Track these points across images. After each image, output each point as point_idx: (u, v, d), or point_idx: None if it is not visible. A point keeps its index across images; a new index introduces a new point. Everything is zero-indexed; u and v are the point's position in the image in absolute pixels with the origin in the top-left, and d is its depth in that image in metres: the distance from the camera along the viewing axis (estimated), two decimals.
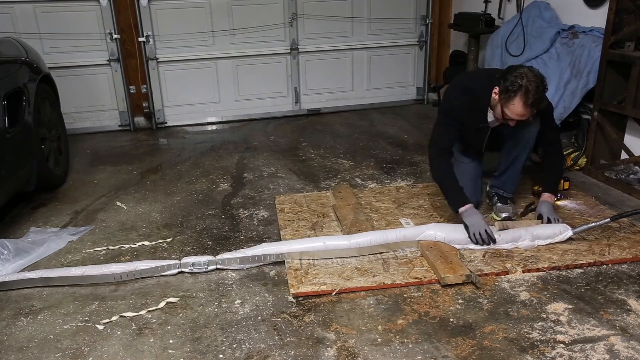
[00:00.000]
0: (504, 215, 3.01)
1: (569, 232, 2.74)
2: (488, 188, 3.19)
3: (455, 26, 5.26)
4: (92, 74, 5.03)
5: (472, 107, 2.82)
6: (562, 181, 3.36)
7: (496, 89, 2.66)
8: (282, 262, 2.66)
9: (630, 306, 2.29)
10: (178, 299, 2.43)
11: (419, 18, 5.65)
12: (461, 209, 2.75)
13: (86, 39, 4.90)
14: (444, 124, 2.93)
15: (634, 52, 3.39)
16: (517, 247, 2.72)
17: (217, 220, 3.23)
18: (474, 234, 2.67)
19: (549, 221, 2.83)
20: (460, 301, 2.35)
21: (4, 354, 2.11)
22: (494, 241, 2.68)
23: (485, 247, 2.69)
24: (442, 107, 3.03)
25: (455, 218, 3.06)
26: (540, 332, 2.14)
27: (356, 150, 4.44)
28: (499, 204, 3.08)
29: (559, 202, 3.21)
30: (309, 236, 2.89)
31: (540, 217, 2.88)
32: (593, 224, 2.78)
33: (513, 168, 3.01)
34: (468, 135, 2.96)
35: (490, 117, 2.80)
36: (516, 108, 2.58)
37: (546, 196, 2.94)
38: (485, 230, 2.67)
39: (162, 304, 2.38)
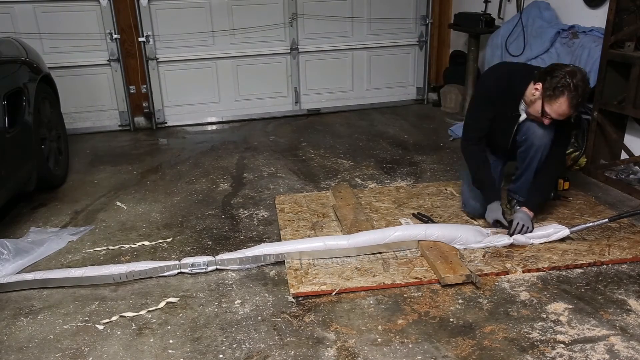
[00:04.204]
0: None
1: (566, 231, 2.74)
2: (507, 191, 3.13)
3: (455, 26, 5.26)
4: (92, 74, 5.03)
5: (508, 93, 2.80)
6: (562, 181, 3.37)
7: (538, 85, 2.64)
8: (282, 262, 2.66)
9: (630, 306, 2.29)
10: (178, 299, 2.43)
11: (419, 18, 5.65)
12: (489, 205, 2.92)
13: (86, 39, 4.90)
14: (477, 109, 2.92)
15: (634, 52, 3.39)
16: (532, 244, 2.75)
17: (217, 220, 3.23)
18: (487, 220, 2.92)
19: (516, 226, 2.79)
20: (460, 301, 2.35)
21: (4, 354, 2.11)
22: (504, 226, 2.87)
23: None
24: (477, 90, 3.00)
25: (455, 218, 3.08)
26: (540, 332, 2.14)
27: (356, 150, 4.44)
28: (518, 208, 2.98)
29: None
30: (309, 236, 2.89)
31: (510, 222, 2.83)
32: (591, 223, 2.78)
33: (527, 172, 2.93)
34: (498, 126, 2.89)
35: (521, 108, 2.79)
36: (561, 107, 2.58)
37: (524, 209, 2.86)
38: (495, 221, 2.88)
39: (162, 304, 2.38)
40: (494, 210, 2.89)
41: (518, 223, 2.78)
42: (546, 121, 2.68)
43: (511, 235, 2.76)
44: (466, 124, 3.01)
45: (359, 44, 5.57)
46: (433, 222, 3.02)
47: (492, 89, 2.87)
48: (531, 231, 2.78)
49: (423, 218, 3.07)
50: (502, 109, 2.84)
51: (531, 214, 2.85)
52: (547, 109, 2.62)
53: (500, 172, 3.10)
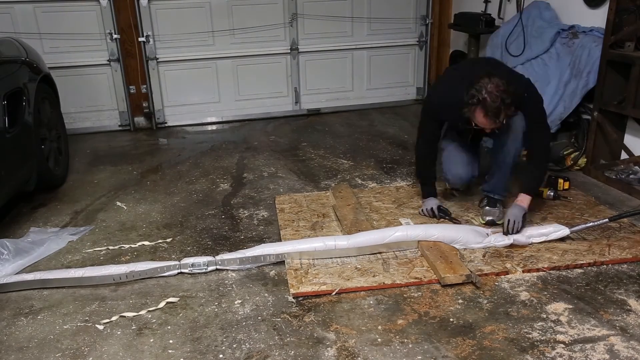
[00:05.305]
0: (488, 218, 2.98)
1: (566, 231, 2.74)
2: (480, 191, 3.15)
3: (455, 26, 5.26)
4: (92, 74, 5.03)
5: (453, 112, 2.76)
6: (562, 181, 3.36)
7: None
8: (282, 262, 2.66)
9: (630, 306, 2.29)
10: (178, 299, 2.43)
11: (419, 18, 5.65)
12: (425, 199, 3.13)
13: (86, 39, 4.90)
14: (424, 122, 3.07)
15: (634, 52, 3.39)
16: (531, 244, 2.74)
17: (217, 220, 3.23)
18: (423, 210, 3.12)
19: (508, 224, 2.78)
20: (460, 301, 2.35)
21: (4, 354, 2.11)
22: (436, 217, 3.06)
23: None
24: (424, 105, 3.14)
25: (455, 220, 3.08)
26: (540, 332, 2.14)
27: (356, 150, 4.44)
28: (486, 208, 3.04)
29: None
30: (309, 236, 2.89)
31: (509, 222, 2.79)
32: (591, 223, 2.78)
33: (502, 169, 2.95)
34: (455, 127, 3.01)
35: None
36: (479, 119, 2.62)
37: (520, 199, 2.83)
38: (431, 209, 3.08)
39: (162, 304, 2.38)
40: (430, 202, 3.10)
41: (509, 220, 2.78)
42: (487, 130, 2.71)
43: (505, 233, 2.78)
44: (418, 130, 3.14)
45: (359, 44, 5.57)
46: (450, 216, 3.04)
47: (436, 109, 2.97)
48: (521, 227, 2.77)
49: (440, 214, 3.07)
50: (453, 123, 2.95)
51: (526, 201, 2.82)
52: (474, 121, 2.67)
53: (470, 149, 3.14)
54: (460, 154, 3.09)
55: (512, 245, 2.73)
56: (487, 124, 2.64)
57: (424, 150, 3.11)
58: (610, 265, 2.60)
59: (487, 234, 2.79)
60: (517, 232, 2.76)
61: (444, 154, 3.18)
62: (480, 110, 2.58)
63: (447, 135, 3.18)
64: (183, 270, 2.61)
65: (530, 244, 2.74)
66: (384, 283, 2.46)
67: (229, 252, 2.73)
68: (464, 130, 2.96)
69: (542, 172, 2.99)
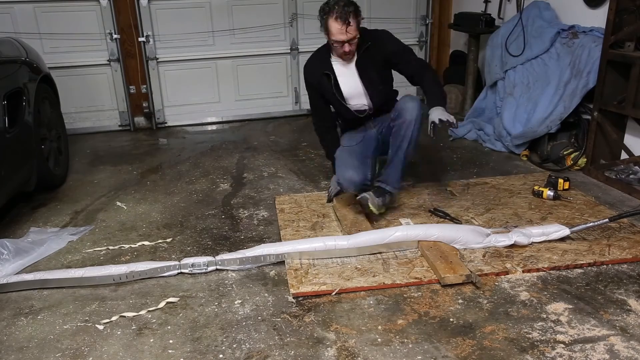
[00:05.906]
0: (363, 195, 2.96)
1: (566, 231, 2.74)
2: (377, 183, 3.10)
3: (455, 26, 5.26)
4: (92, 74, 5.04)
5: (319, 63, 3.16)
6: (562, 181, 3.37)
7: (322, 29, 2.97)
8: (282, 262, 2.66)
9: (630, 306, 2.29)
10: (178, 299, 2.43)
11: (419, 18, 5.66)
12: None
13: (86, 39, 4.90)
14: (310, 100, 3.38)
15: (634, 52, 3.39)
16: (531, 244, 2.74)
17: (217, 220, 3.23)
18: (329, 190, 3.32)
19: (441, 122, 2.81)
20: (460, 301, 2.35)
21: (4, 354, 2.11)
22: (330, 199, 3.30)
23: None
24: None
25: (456, 220, 3.08)
26: (540, 332, 2.14)
27: None
28: (371, 192, 2.98)
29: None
30: (309, 236, 2.89)
31: (432, 124, 2.84)
32: (591, 223, 2.78)
33: (396, 159, 2.99)
34: (334, 103, 3.18)
35: (333, 60, 3.10)
36: (332, 27, 2.88)
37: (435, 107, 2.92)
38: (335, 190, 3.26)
39: (162, 304, 2.38)
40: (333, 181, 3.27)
41: (436, 120, 2.81)
42: (347, 48, 2.94)
43: (433, 125, 2.83)
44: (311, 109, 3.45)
45: None
46: (450, 217, 3.05)
47: (306, 72, 3.28)
48: (454, 123, 2.83)
49: (440, 214, 3.09)
50: (321, 81, 3.15)
51: (441, 108, 2.90)
52: (331, 37, 2.93)
53: (365, 150, 3.16)
54: (351, 158, 3.07)
55: (512, 245, 2.73)
56: (339, 29, 2.85)
57: (320, 126, 3.36)
58: (610, 265, 2.60)
59: (488, 234, 2.79)
60: (452, 124, 2.82)
61: (336, 159, 3.16)
62: (330, 16, 2.85)
63: (342, 142, 3.27)
64: (183, 271, 2.61)
65: (530, 244, 2.74)
66: (384, 283, 2.46)
67: (229, 252, 2.73)
68: (331, 89, 3.12)
69: (441, 87, 3.13)
